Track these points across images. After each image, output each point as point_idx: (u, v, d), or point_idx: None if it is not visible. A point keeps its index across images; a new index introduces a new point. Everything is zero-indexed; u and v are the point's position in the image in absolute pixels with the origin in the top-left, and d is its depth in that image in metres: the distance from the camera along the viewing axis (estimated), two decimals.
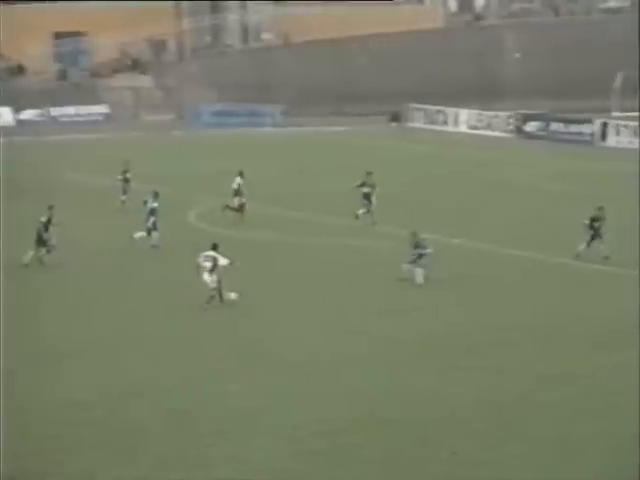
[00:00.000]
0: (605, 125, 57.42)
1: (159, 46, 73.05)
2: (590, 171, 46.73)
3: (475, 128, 63.47)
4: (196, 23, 74.03)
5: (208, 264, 24.52)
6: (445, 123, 64.93)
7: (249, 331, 23.16)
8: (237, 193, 35.19)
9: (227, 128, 62.97)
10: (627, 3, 75.90)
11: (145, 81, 70.64)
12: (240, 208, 35.04)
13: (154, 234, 30.76)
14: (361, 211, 34.47)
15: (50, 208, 28.95)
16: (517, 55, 71.90)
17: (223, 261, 24.57)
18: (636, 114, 60.97)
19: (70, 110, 67.01)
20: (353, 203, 35.29)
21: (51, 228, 28.55)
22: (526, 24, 74.43)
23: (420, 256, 26.62)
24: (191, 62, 73.40)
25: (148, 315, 24.40)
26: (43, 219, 28.65)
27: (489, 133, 62.20)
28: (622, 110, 63.75)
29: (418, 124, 65.60)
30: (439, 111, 65.26)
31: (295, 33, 71.30)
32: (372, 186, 34.49)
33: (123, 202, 36.84)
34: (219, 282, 24.63)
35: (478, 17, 76.39)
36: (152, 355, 21.46)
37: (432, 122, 65.31)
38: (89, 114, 67.39)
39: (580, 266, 28.84)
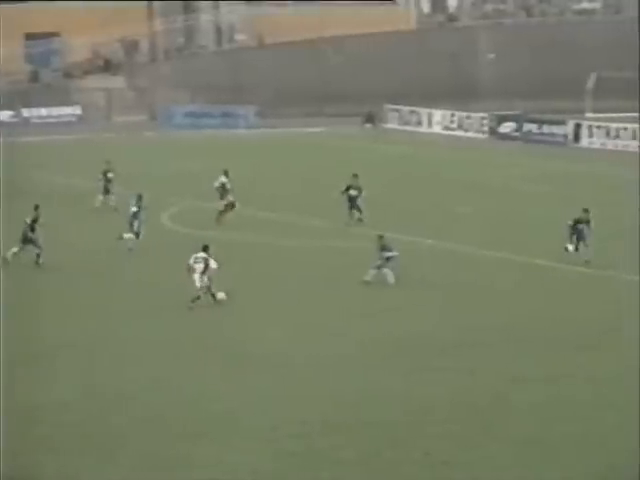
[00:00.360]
0: (578, 126, 57.61)
1: (131, 47, 72.72)
2: (563, 172, 46.85)
3: (449, 129, 63.54)
4: (169, 24, 73.75)
5: (199, 266, 24.63)
6: (419, 124, 64.97)
7: (230, 332, 23.13)
8: (223, 192, 34.99)
9: (200, 129, 62.76)
10: (599, 5, 76.23)
11: (117, 82, 70.30)
12: (228, 207, 34.79)
13: (133, 237, 30.59)
14: (356, 216, 34.11)
15: (36, 208, 29.04)
16: (491, 56, 72.05)
17: (213, 264, 24.69)
18: (609, 115, 61.22)
19: (42, 111, 66.57)
20: (330, 204, 35.18)
21: (38, 228, 28.67)
22: (499, 25, 74.63)
23: (387, 259, 26.64)
24: (164, 63, 73.11)
25: (131, 316, 24.34)
26: (28, 219, 28.78)
27: (463, 134, 62.29)
28: (595, 111, 64.00)
29: (393, 125, 65.60)
30: (413, 112, 65.30)
31: (269, 34, 71.13)
32: (359, 189, 34.25)
33: (103, 202, 36.79)
34: (210, 283, 24.68)
35: (451, 18, 76.51)
36: (135, 356, 21.43)
37: (406, 123, 65.34)
38: (61, 115, 66.98)
39: (556, 267, 28.82)
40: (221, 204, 34.75)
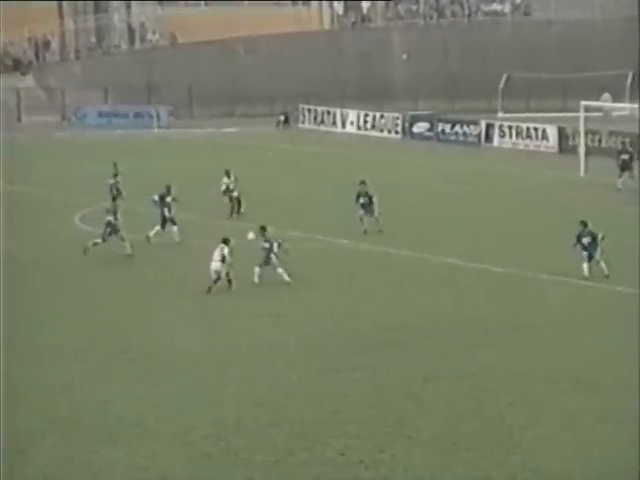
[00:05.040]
0: (490, 126, 58.28)
1: (42, 46, 71.74)
2: (475, 172, 47.35)
3: (363, 129, 63.83)
4: (80, 23, 72.90)
5: (218, 255, 25.75)
6: (334, 124, 65.17)
7: (137, 334, 22.82)
8: (228, 192, 35.82)
9: (113, 129, 62.14)
10: (508, 7, 77.35)
11: (27, 82, 69.30)
12: (238, 203, 35.56)
13: (173, 228, 31.71)
14: (362, 226, 32.88)
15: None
16: (404, 56, 72.58)
17: (227, 254, 25.75)
18: (520, 115, 62.09)
19: None
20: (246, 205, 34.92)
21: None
22: (412, 26, 75.22)
23: (269, 256, 26.48)
24: (75, 62, 72.28)
25: (44, 317, 24.06)
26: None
27: (377, 134, 62.62)
28: (507, 111, 64.84)
29: (307, 125, 65.72)
30: (328, 112, 65.47)
31: (181, 33, 70.80)
32: (368, 196, 33.05)
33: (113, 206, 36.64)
34: (222, 272, 25.77)
35: (364, 18, 76.91)
36: (34, 360, 20.99)
37: (321, 123, 65.50)
38: None
39: (467, 266, 29.07)
40: (227, 203, 35.60)
